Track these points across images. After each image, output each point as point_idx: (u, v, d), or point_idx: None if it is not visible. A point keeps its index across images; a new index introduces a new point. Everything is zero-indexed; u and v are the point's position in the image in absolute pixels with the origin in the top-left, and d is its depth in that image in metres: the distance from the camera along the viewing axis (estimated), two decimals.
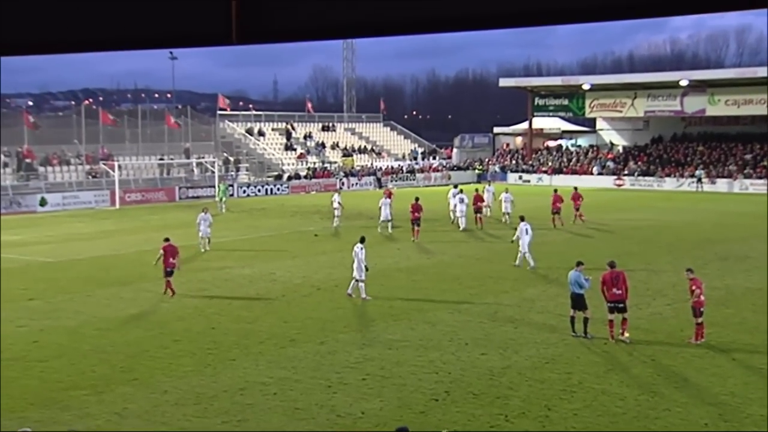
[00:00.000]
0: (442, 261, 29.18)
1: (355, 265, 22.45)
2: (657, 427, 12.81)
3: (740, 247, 32.15)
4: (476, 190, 41.13)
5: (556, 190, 40.12)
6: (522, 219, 28.21)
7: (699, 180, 64.19)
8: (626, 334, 17.77)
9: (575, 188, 41.56)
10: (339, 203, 39.62)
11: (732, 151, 68.21)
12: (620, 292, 17.79)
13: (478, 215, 38.61)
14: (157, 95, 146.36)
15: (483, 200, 39.71)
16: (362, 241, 22.89)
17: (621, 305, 17.78)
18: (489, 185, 45.79)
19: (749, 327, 19.26)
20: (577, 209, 39.40)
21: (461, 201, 37.98)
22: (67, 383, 15.26)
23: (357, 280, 22.46)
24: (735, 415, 13.33)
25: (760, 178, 63.11)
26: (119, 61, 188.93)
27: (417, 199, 35.84)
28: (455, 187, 44.57)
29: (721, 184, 63.76)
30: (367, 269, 22.48)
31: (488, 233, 37.04)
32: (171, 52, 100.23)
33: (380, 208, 36.77)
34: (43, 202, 50.23)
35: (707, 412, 13.43)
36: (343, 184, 65.89)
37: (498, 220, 40.02)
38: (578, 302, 18.31)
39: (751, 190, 61.96)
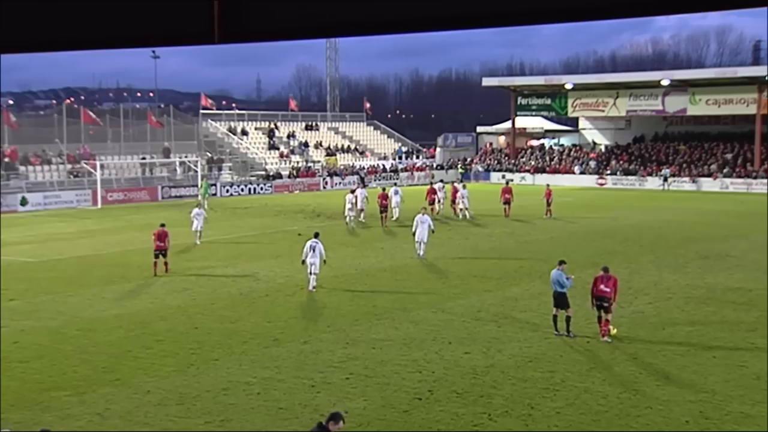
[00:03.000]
0: (426, 260, 29.20)
1: (311, 260, 23.26)
2: (639, 425, 12.89)
3: (721, 245, 32.41)
4: (431, 183, 47.06)
5: (507, 182, 46.56)
6: (423, 209, 31.51)
7: (665, 179, 64.75)
8: (605, 337, 17.74)
9: (547, 185, 45.79)
10: (366, 197, 41.23)
11: (713, 150, 68.74)
12: (608, 290, 17.76)
13: (432, 206, 42.25)
14: (139, 94, 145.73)
15: (436, 193, 43.80)
16: (316, 236, 24.03)
17: (606, 303, 17.76)
18: (441, 182, 47.90)
19: (730, 325, 19.42)
20: (548, 204, 42.29)
21: (395, 193, 41.84)
22: (49, 384, 15.16)
23: (314, 273, 23.40)
24: (716, 412, 13.44)
25: (740, 177, 63.66)
26: (101, 60, 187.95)
27: (384, 189, 41.60)
28: (440, 182, 47.54)
29: (702, 183, 64.29)
30: (325, 262, 23.70)
31: (471, 233, 37.18)
32: (153, 51, 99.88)
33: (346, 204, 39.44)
34: (23, 202, 49.85)
35: (688, 410, 13.53)
36: (326, 183, 65.86)
37: (456, 216, 42.39)
38: (560, 301, 18.37)
39: (732, 189, 62.50)
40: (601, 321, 17.94)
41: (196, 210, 33.73)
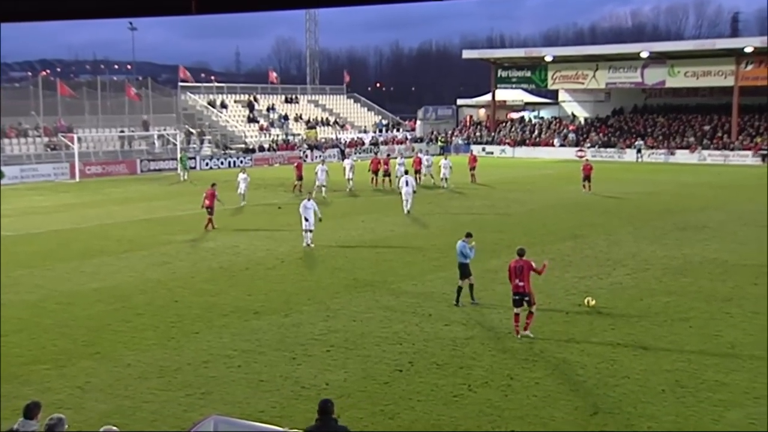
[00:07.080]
0: (406, 233, 29.28)
1: (305, 215, 25.94)
2: (616, 394, 13.05)
3: (698, 217, 32.70)
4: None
5: (471, 152, 52.53)
6: (406, 173, 36.72)
7: (639, 151, 65.18)
8: (528, 331, 16.17)
9: (586, 159, 47.83)
10: (353, 167, 43.71)
11: (691, 122, 69.13)
12: (523, 284, 16.15)
13: (418, 175, 44.80)
14: (116, 66, 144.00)
15: (422, 163, 46.74)
16: (309, 198, 26.85)
17: (526, 298, 16.20)
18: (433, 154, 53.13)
19: (706, 295, 19.65)
20: (587, 179, 42.01)
21: (400, 164, 45.03)
22: (28, 357, 15.13)
23: (307, 231, 26.04)
24: (691, 381, 13.64)
25: (717, 149, 64.11)
26: (77, 31, 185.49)
27: (376, 153, 48.71)
28: (442, 155, 53.48)
29: (679, 155, 64.70)
30: (320, 220, 26.54)
31: (451, 205, 37.25)
32: (131, 23, 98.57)
33: (316, 173, 40.75)
34: (0, 175, 49.30)
35: (665, 379, 13.72)
36: (306, 156, 65.66)
37: (438, 185, 44.24)
38: (464, 271, 18.53)
39: (709, 160, 62.98)
40: (518, 318, 16.24)
41: (242, 175, 37.10)
